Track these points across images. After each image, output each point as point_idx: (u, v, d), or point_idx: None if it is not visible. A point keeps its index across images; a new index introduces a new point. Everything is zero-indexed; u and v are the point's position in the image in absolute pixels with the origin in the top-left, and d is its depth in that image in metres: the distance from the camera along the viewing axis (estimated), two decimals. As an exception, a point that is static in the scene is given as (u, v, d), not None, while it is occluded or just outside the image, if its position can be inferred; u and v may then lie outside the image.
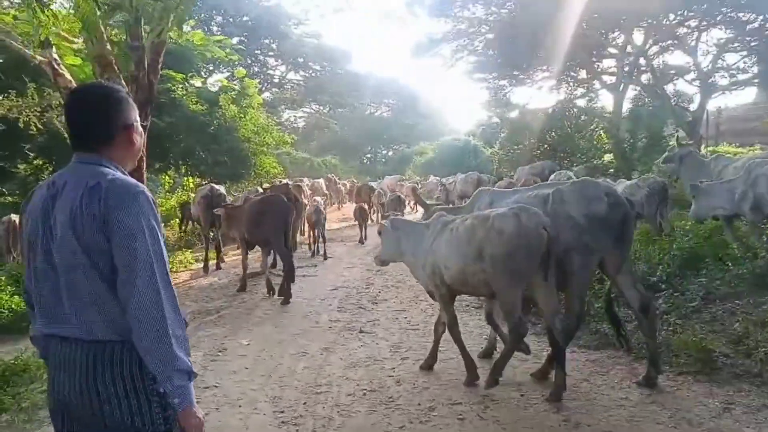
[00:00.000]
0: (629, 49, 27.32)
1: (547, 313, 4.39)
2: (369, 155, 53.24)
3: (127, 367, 1.85)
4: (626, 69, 27.82)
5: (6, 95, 10.31)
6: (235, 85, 18.91)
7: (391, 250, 5.26)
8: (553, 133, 36.14)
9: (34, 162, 15.49)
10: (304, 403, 4.53)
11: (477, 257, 4.32)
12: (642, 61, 27.22)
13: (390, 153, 52.93)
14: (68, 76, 9.51)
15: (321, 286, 9.02)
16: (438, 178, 27.95)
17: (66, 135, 2.35)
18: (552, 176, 14.15)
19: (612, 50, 29.31)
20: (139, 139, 2.04)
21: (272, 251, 9.21)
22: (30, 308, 2.09)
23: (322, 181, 24.77)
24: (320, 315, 7.24)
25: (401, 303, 7.66)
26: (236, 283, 9.29)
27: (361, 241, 14.37)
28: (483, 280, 4.38)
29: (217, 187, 11.85)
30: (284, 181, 17.62)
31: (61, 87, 9.50)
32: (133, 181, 1.89)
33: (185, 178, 23.38)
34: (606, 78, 30.82)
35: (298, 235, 13.65)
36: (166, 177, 24.53)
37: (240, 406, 4.50)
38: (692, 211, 7.55)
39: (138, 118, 2.05)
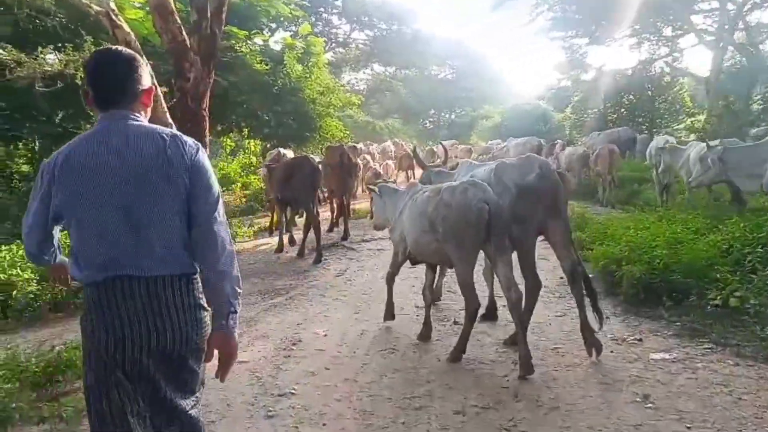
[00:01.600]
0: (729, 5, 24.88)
1: (502, 285, 4.47)
2: (432, 119, 51.75)
3: (189, 296, 2.12)
4: (726, 25, 25.39)
5: (62, 49, 9.59)
6: (300, 42, 17.94)
7: (381, 215, 5.72)
8: (632, 96, 34.08)
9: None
10: (403, 423, 3.62)
11: (429, 228, 4.58)
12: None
13: (452, 116, 51.32)
14: (127, 27, 8.70)
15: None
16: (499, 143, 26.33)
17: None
18: (653, 143, 12.58)
19: (705, 5, 26.85)
20: (152, 103, 2.29)
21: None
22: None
23: (390, 144, 23.83)
24: (403, 299, 6.31)
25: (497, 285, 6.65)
26: (306, 257, 8.50)
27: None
28: (436, 250, 4.66)
29: (284, 151, 11.12)
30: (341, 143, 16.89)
31: (119, 40, 8.73)
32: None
33: (247, 141, 22.84)
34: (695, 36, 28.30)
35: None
36: (227, 139, 24.00)
37: (324, 425, 3.62)
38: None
39: (152, 84, 2.31)
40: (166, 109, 8.82)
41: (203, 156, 2.16)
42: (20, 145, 17.57)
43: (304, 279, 7.37)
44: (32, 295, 6.11)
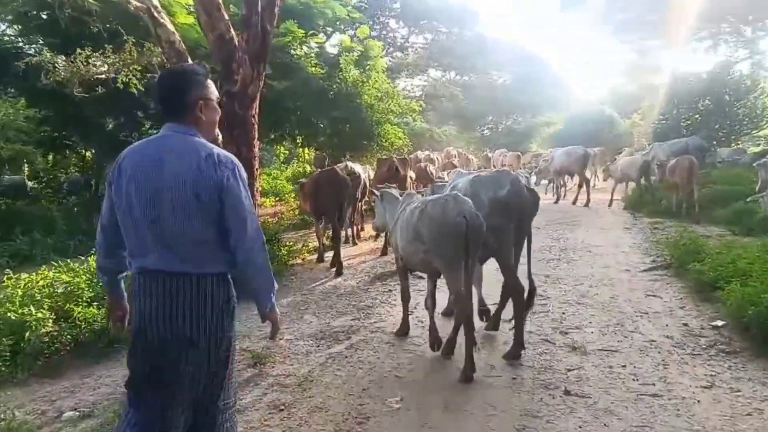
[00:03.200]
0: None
1: (450, 291, 4.89)
2: (490, 126, 50.06)
3: (221, 292, 2.39)
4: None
5: (102, 51, 8.73)
6: (358, 45, 16.86)
7: (381, 220, 5.97)
8: (708, 101, 31.82)
9: (150, 131, 14.31)
10: None
11: (416, 238, 4.76)
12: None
13: (509, 123, 49.52)
14: (171, 26, 7.79)
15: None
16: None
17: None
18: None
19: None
20: (211, 114, 2.48)
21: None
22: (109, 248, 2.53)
23: (452, 149, 22.89)
24: (492, 350, 5.07)
25: (615, 339, 5.33)
26: (366, 286, 7.37)
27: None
28: (423, 260, 4.83)
29: (351, 165, 10.60)
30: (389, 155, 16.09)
31: (162, 40, 7.81)
32: (230, 155, 2.44)
33: (300, 149, 21.94)
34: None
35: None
36: (281, 148, 23.17)
37: None
38: None
39: (211, 96, 2.47)
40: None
41: (238, 175, 2.37)
42: (73, 154, 17.20)
43: (366, 317, 6.18)
44: (47, 338, 5.13)
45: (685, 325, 5.50)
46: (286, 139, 17.38)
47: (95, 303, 5.62)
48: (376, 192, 6.14)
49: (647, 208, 12.81)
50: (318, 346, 5.29)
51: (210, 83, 2.49)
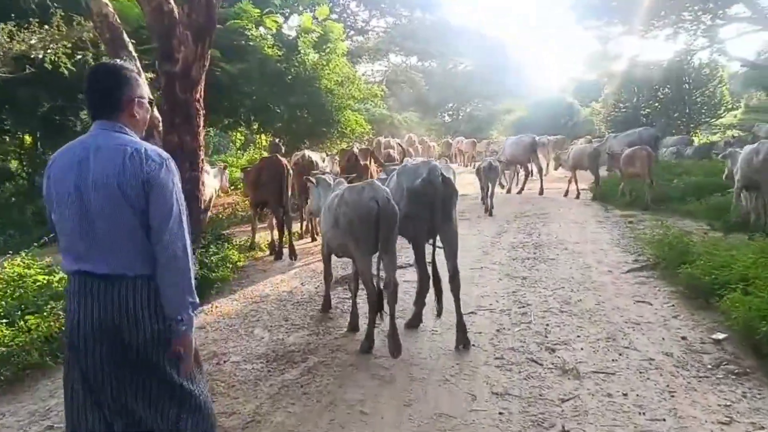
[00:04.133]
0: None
1: (362, 277, 4.98)
2: (450, 113, 49.56)
3: (153, 296, 2.24)
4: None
5: (27, 25, 7.71)
6: (318, 27, 15.94)
7: (315, 204, 6.15)
8: (667, 90, 31.86)
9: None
10: None
11: (335, 223, 5.00)
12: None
13: (469, 110, 49.09)
14: (104, -2, 6.84)
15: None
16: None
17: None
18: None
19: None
20: (143, 113, 2.41)
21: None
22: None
23: (413, 136, 22.41)
24: (473, 375, 4.40)
25: (609, 357, 4.72)
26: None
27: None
28: (340, 244, 5.12)
29: (309, 153, 10.36)
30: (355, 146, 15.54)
31: (94, 14, 6.88)
32: (161, 150, 2.32)
33: (258, 136, 20.94)
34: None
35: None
36: (237, 134, 22.13)
37: None
38: None
39: (144, 95, 2.39)
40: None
41: (166, 171, 2.24)
42: (6, 139, 15.82)
43: (326, 333, 5.44)
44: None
45: (683, 338, 4.92)
46: (240, 125, 16.36)
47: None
48: (311, 178, 6.36)
49: (619, 201, 12.35)
50: (269, 371, 4.52)
51: (142, 81, 2.43)
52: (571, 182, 14.44)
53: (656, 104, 32.18)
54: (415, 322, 5.45)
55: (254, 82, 14.31)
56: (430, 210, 5.02)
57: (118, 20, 7.19)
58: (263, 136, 20.86)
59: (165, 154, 2.30)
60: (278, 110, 15.00)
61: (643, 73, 32.10)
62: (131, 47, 7.33)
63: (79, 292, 2.22)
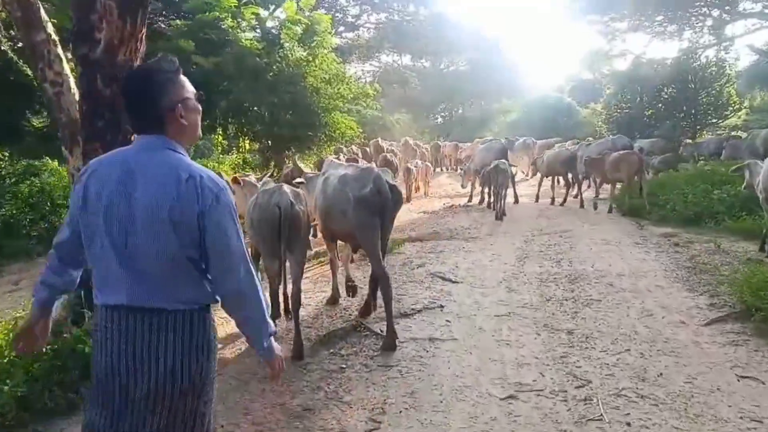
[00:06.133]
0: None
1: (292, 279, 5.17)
2: (443, 114, 47.90)
3: (199, 330, 2.04)
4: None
5: None
6: (303, 19, 14.14)
7: (240, 206, 5.52)
8: (672, 90, 30.38)
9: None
10: None
11: (250, 225, 5.18)
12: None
13: (461, 111, 47.44)
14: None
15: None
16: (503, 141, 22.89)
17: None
18: None
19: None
20: (192, 116, 2.10)
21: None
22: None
23: (410, 140, 21.08)
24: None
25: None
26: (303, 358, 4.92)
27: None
28: (254, 246, 5.39)
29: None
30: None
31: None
32: (216, 176, 2.04)
33: (241, 139, 19.10)
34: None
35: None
36: (218, 137, 20.33)
37: None
38: None
39: (187, 94, 2.08)
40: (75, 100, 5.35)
41: (224, 204, 2.01)
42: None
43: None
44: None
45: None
46: (215, 128, 14.56)
47: None
48: (239, 179, 6.53)
49: (651, 214, 10.70)
50: None
51: (181, 78, 2.10)
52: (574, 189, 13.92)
53: (660, 105, 30.73)
54: (390, 343, 5.09)
55: (230, 78, 12.58)
56: (380, 217, 5.12)
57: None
58: (246, 140, 19.09)
59: (221, 182, 2.03)
60: (258, 111, 13.26)
61: (647, 72, 30.66)
62: (51, 28, 5.59)
63: (112, 327, 1.99)
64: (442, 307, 6.09)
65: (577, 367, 4.49)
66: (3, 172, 12.65)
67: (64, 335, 4.31)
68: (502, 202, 11.89)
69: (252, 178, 6.33)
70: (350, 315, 5.89)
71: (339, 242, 6.19)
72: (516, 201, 13.83)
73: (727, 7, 28.00)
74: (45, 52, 5.44)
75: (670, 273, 7.02)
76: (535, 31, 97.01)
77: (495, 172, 12.01)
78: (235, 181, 6.33)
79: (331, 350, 4.99)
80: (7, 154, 13.19)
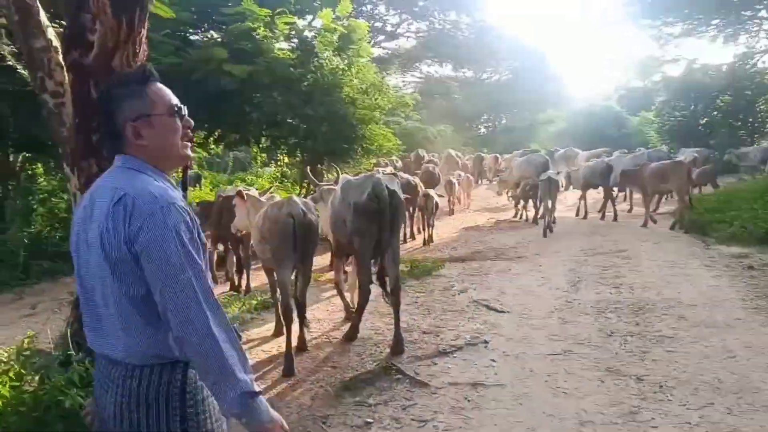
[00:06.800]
0: None
1: (279, 288, 5.18)
2: (486, 124, 46.94)
3: (158, 388, 1.67)
4: None
5: None
6: (339, 27, 13.57)
7: (242, 220, 6.19)
8: (728, 97, 28.87)
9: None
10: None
11: (261, 238, 5.22)
12: None
13: (504, 122, 46.35)
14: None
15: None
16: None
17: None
18: None
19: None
20: (157, 134, 1.75)
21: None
22: None
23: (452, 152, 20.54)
24: None
25: None
26: (325, 405, 4.22)
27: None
28: (268, 258, 5.31)
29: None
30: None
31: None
32: (162, 191, 1.66)
33: (280, 153, 18.61)
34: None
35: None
36: (255, 150, 19.98)
37: None
38: None
39: (154, 109, 1.75)
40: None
41: (157, 225, 1.60)
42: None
43: None
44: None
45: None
46: (248, 141, 14.09)
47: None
48: (243, 192, 6.33)
49: (721, 232, 9.68)
50: None
51: (155, 90, 1.78)
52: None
53: (715, 113, 29.21)
54: (352, 335, 5.49)
55: (264, 89, 12.08)
56: (377, 224, 5.05)
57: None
58: (285, 156, 18.64)
59: (162, 200, 1.63)
60: (292, 123, 12.72)
61: (701, 78, 29.21)
62: (52, 34, 5.09)
63: (96, 376, 1.80)
64: (486, 342, 5.33)
65: (652, 428, 3.69)
66: (33, 188, 12.44)
67: (48, 381, 3.73)
68: (551, 216, 11.15)
69: (255, 192, 6.37)
70: (381, 353, 5.17)
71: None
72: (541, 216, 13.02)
73: (787, 9, 26.48)
74: (45, 60, 4.90)
75: (749, 302, 6.09)
76: (581, 38, 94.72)
77: (548, 184, 11.31)
78: (240, 195, 6.19)
79: (357, 398, 4.29)
80: (41, 168, 12.98)
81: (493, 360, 4.93)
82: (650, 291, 6.71)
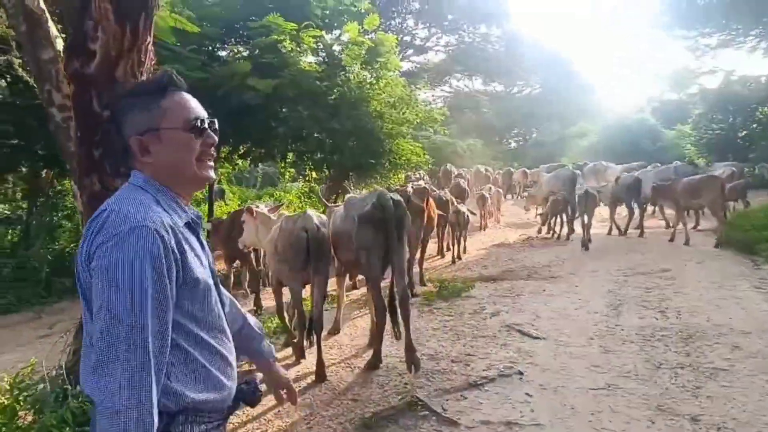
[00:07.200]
0: None
1: (313, 302, 5.26)
2: (516, 138, 46.31)
3: None
4: None
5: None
6: (367, 40, 13.31)
7: (250, 236, 6.29)
8: (767, 109, 27.97)
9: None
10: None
11: (274, 252, 5.28)
12: None
13: (535, 135, 45.62)
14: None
15: None
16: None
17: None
18: None
19: None
20: (168, 151, 1.57)
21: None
22: None
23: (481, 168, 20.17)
24: None
25: None
26: None
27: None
28: (282, 272, 5.37)
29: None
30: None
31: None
32: (142, 210, 1.44)
33: (308, 170, 18.42)
34: None
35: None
36: (282, 165, 19.83)
37: None
38: None
39: (163, 123, 1.56)
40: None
41: (118, 247, 1.38)
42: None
43: None
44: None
45: None
46: (274, 157, 13.87)
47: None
48: (252, 209, 6.32)
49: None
50: None
51: (174, 101, 1.60)
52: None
53: (755, 125, 28.26)
54: (375, 363, 5.20)
55: (289, 102, 11.86)
56: (384, 235, 4.96)
57: (43, 6, 4.77)
58: (313, 171, 18.45)
59: (133, 220, 1.41)
60: (318, 137, 12.47)
61: (739, 90, 28.35)
62: (61, 45, 4.87)
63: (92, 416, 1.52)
64: (521, 374, 4.89)
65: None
66: (60, 204, 12.38)
67: (40, 418, 3.43)
68: (588, 232, 10.83)
69: (264, 209, 6.34)
70: (407, 385, 4.77)
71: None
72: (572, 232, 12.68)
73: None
74: (53, 71, 4.72)
75: (810, 329, 5.56)
76: (613, 50, 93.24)
77: (585, 199, 11.33)
78: (249, 211, 6.25)
79: (378, 438, 3.91)
80: (69, 184, 12.92)
81: (529, 394, 4.49)
82: (699, 316, 6.20)
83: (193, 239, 1.62)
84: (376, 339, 5.34)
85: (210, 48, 12.47)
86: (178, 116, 1.61)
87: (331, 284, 6.09)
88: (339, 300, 6.54)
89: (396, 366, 5.22)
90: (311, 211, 5.34)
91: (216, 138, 1.66)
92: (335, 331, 6.38)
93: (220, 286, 1.75)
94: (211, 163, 1.67)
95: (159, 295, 1.40)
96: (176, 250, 1.48)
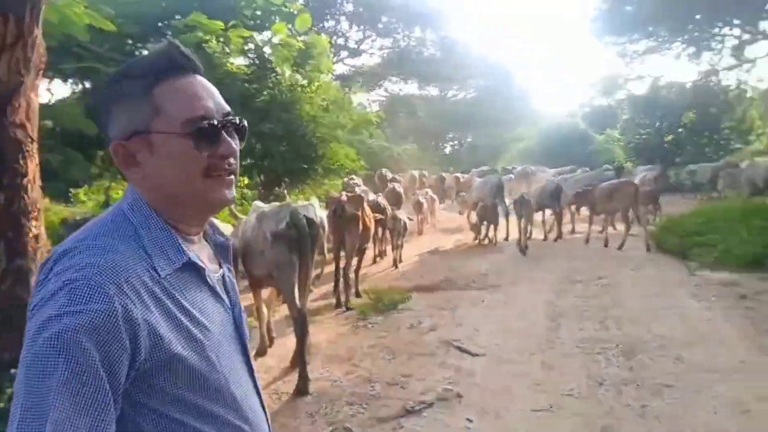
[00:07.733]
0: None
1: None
2: (452, 143, 46.63)
3: None
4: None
5: None
6: (298, 41, 12.86)
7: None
8: (692, 114, 29.03)
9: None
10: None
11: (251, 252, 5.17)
12: None
13: (470, 140, 46.07)
14: None
15: None
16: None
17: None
18: None
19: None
20: (162, 159, 1.09)
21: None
22: None
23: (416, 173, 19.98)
24: None
25: None
26: None
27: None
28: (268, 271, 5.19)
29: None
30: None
31: None
32: (98, 248, 1.00)
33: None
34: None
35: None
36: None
37: None
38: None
39: (160, 124, 1.08)
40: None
41: (44, 313, 0.93)
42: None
43: None
44: None
45: None
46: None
47: None
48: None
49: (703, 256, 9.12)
50: None
51: (173, 89, 1.09)
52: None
53: (681, 130, 29.31)
54: (303, 388, 4.77)
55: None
56: (298, 254, 4.93)
57: None
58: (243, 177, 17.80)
59: (79, 267, 0.96)
60: (248, 142, 11.95)
61: (666, 96, 29.37)
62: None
63: None
64: (460, 396, 4.57)
65: None
66: (78, 218, 11.38)
67: None
68: (525, 237, 11.21)
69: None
70: (338, 412, 4.36)
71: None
72: (506, 238, 12.82)
73: (747, 28, 26.80)
74: None
75: (751, 341, 5.47)
76: (547, 56, 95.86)
77: (520, 204, 11.56)
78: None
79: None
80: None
81: (470, 419, 4.18)
82: (639, 327, 6.05)
83: (193, 290, 1.12)
84: (300, 359, 4.90)
85: (131, 47, 11.77)
86: (176, 114, 1.10)
87: (249, 298, 5.61)
88: (259, 314, 5.82)
89: (327, 392, 4.81)
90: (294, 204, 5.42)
91: (235, 145, 1.16)
92: (262, 351, 5.80)
93: (249, 350, 1.26)
94: (231, 179, 1.16)
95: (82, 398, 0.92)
96: (139, 321, 0.98)
